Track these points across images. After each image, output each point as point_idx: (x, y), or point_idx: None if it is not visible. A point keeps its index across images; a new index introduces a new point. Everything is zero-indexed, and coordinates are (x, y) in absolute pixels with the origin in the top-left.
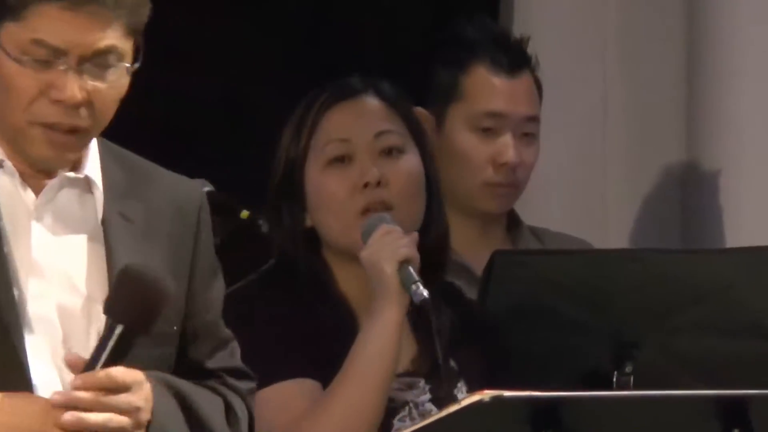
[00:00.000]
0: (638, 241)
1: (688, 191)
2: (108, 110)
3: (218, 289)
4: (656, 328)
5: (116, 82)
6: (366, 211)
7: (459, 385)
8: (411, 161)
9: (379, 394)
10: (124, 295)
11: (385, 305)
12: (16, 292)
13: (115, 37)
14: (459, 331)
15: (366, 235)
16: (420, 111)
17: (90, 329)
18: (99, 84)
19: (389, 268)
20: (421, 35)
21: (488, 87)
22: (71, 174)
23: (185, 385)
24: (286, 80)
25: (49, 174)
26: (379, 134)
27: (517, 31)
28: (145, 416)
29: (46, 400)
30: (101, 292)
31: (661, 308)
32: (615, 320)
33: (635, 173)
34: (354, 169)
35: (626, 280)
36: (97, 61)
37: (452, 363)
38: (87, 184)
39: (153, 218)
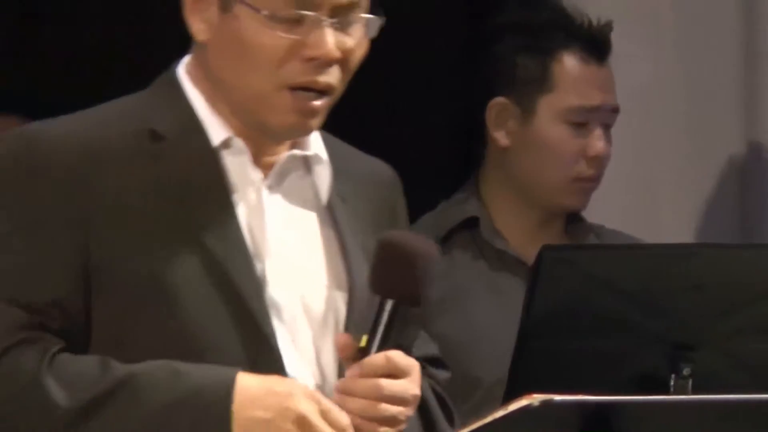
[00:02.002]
0: (694, 236)
1: (748, 182)
2: (353, 71)
3: None
4: (715, 329)
5: (362, 39)
6: None
7: None
8: None
9: None
10: (389, 267)
11: None
12: (258, 271)
13: None
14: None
15: None
16: (501, 102)
17: (328, 316)
18: (349, 40)
19: None
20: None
21: (582, 79)
22: (298, 151)
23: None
24: None
25: (274, 150)
26: None
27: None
28: (415, 406)
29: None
30: (338, 276)
31: (721, 307)
32: (671, 320)
33: (691, 163)
34: None
35: (682, 278)
36: (346, 14)
37: None
38: (307, 162)
39: (359, 198)
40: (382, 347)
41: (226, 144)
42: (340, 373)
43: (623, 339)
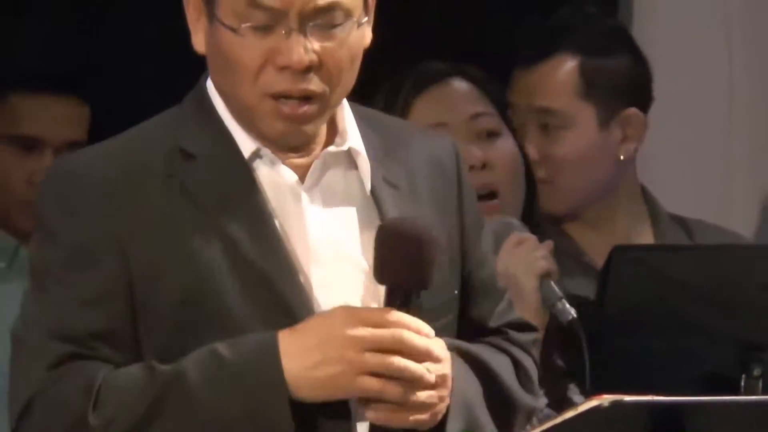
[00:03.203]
0: (765, 232)
1: None
2: (342, 71)
3: (486, 242)
4: None
5: (346, 40)
6: None
7: (571, 386)
8: (509, 143)
9: None
10: (390, 255)
11: None
12: (302, 280)
13: None
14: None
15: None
16: (634, 112)
17: (371, 305)
18: (327, 44)
19: (530, 284)
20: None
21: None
22: (333, 148)
23: (475, 348)
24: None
25: (307, 152)
26: (474, 116)
27: (640, 16)
28: (448, 392)
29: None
30: None
31: None
32: (741, 320)
33: (763, 164)
34: None
35: (754, 278)
36: (321, 19)
37: (560, 362)
38: (348, 155)
39: (415, 180)
40: None
41: (256, 155)
42: None
43: (694, 339)
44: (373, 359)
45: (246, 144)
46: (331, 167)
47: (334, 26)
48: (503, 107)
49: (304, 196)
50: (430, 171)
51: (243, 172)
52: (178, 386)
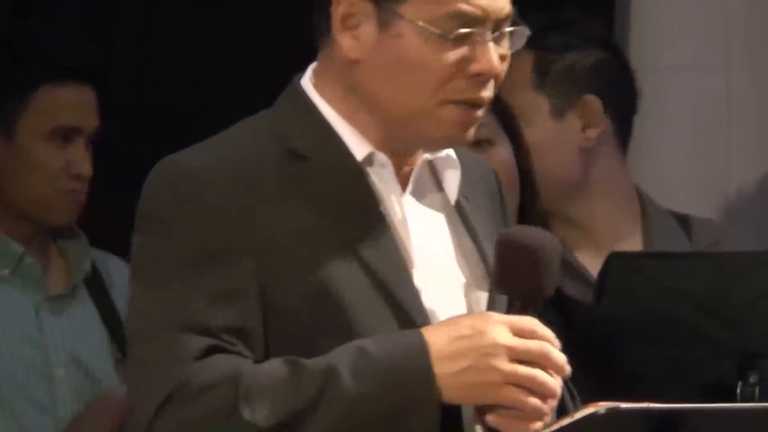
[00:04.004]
0: (765, 243)
1: None
2: (501, 83)
3: None
4: None
5: (507, 51)
6: None
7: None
8: (501, 154)
9: None
10: (513, 267)
11: None
12: (416, 288)
13: (509, 2)
14: (567, 340)
15: None
16: (591, 99)
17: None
18: (504, 53)
19: None
20: None
21: None
22: (430, 156)
23: None
24: None
25: (410, 159)
26: None
27: (637, 18)
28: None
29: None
30: (476, 276)
31: None
32: (738, 328)
33: (761, 167)
34: None
35: (751, 286)
36: (505, 27)
37: None
38: (432, 165)
39: (475, 194)
40: None
41: (368, 159)
42: None
43: (690, 346)
44: (522, 372)
45: (359, 147)
46: (423, 175)
47: (505, 36)
48: (502, 113)
49: (407, 201)
50: (483, 188)
51: (356, 175)
52: (331, 381)
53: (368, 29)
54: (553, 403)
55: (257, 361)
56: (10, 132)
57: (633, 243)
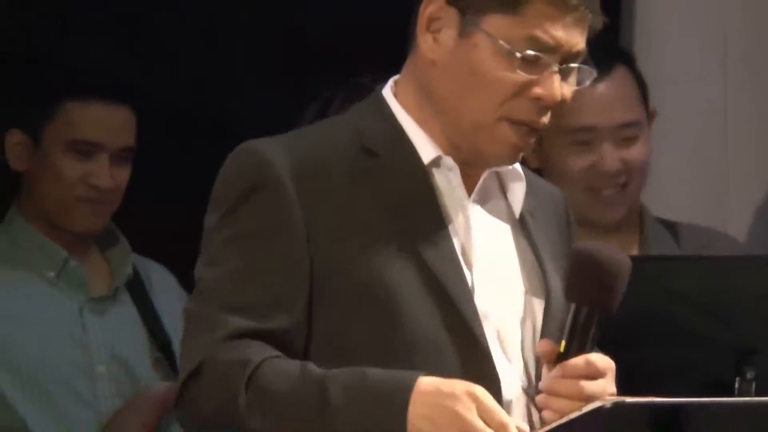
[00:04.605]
0: (761, 246)
1: None
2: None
3: None
4: None
5: (574, 86)
6: None
7: None
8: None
9: None
10: (583, 277)
11: None
12: (469, 286)
13: (584, 41)
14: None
15: None
16: None
17: (527, 321)
18: (567, 88)
19: None
20: None
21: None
22: (498, 168)
23: None
24: None
25: (476, 168)
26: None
27: (640, 30)
28: None
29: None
30: (534, 284)
31: None
32: (736, 327)
33: (758, 175)
34: None
35: (747, 288)
36: (574, 62)
37: None
38: (500, 177)
39: (543, 215)
40: (580, 351)
41: (435, 162)
42: (539, 375)
43: (690, 345)
44: (479, 426)
45: (426, 150)
46: (489, 185)
47: (572, 71)
48: None
49: (471, 205)
50: (552, 210)
51: (422, 176)
52: (322, 387)
53: (449, 34)
54: None
55: (299, 337)
56: (37, 139)
57: (631, 249)
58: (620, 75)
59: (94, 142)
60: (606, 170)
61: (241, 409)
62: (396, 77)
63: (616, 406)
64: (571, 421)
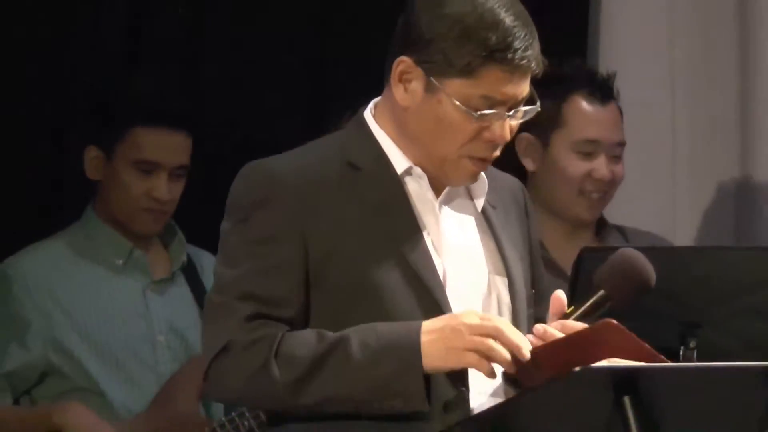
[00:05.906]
0: (701, 241)
1: (741, 198)
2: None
3: (542, 261)
4: (716, 312)
5: (519, 121)
6: None
7: None
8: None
9: None
10: (616, 269)
11: None
12: (440, 274)
13: (528, 86)
14: None
15: None
16: (526, 136)
17: (492, 297)
18: (515, 125)
19: None
20: None
21: (587, 117)
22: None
23: None
24: None
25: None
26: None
27: (603, 67)
28: None
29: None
30: (498, 267)
31: (721, 295)
32: (683, 305)
33: (698, 186)
34: None
35: (692, 272)
36: (517, 106)
37: None
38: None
39: (503, 205)
40: (580, 319)
41: (407, 171)
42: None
43: (645, 321)
44: (478, 340)
45: (400, 162)
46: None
47: (519, 111)
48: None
49: (439, 205)
50: (510, 200)
51: (398, 184)
52: (340, 347)
53: (417, 88)
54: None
55: (301, 324)
56: (109, 155)
57: (591, 244)
58: (616, 104)
59: (156, 161)
60: (600, 178)
61: (274, 377)
62: (376, 100)
63: (584, 370)
64: (545, 383)
